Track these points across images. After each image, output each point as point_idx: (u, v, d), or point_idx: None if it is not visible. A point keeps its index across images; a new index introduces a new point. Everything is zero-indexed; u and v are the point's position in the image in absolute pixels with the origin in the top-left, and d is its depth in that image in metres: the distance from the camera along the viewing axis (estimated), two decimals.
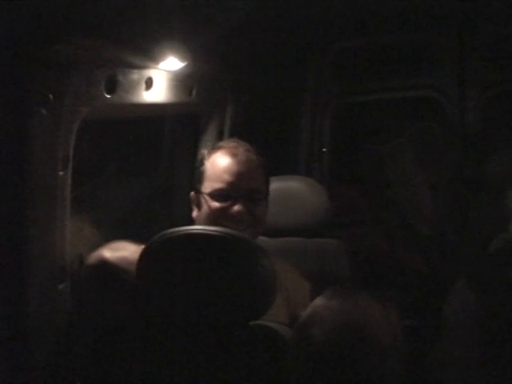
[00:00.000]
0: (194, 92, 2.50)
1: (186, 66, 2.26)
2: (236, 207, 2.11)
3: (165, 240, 1.77)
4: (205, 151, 2.34)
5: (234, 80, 2.71)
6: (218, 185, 2.14)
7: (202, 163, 2.22)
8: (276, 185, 2.48)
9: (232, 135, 2.63)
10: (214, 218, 2.12)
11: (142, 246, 1.78)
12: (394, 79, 3.47)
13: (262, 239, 2.37)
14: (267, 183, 2.23)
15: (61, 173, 1.91)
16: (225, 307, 1.74)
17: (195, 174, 2.26)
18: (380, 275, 3.02)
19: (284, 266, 2.25)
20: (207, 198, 2.15)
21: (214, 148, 2.26)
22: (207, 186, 2.16)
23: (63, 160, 1.91)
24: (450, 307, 2.38)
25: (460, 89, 3.44)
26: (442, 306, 2.39)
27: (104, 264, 1.85)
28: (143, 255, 1.78)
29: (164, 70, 2.25)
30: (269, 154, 2.27)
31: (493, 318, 2.25)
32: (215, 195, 2.13)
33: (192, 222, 2.20)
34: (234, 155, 2.17)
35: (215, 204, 2.13)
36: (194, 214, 2.21)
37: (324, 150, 3.49)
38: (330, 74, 3.42)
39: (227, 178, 2.14)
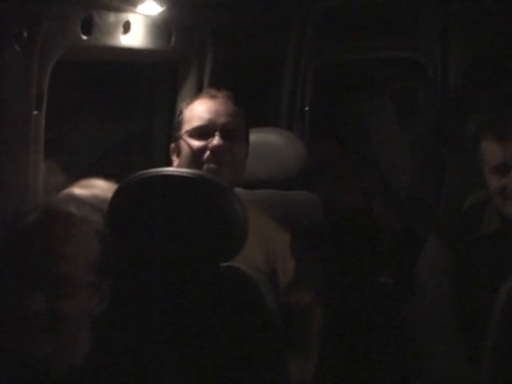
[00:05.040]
0: (172, 39, 2.47)
1: (165, 11, 2.24)
2: (215, 141, 2.12)
3: (138, 181, 1.77)
4: (184, 103, 2.35)
5: (214, 28, 2.68)
6: (196, 123, 2.16)
7: (181, 113, 2.25)
8: (254, 137, 2.47)
9: (212, 86, 2.61)
10: (193, 157, 2.13)
11: (113, 184, 1.78)
12: (376, 39, 3.46)
13: (238, 190, 2.37)
14: (247, 131, 2.25)
15: (35, 112, 1.90)
16: (195, 248, 1.74)
17: (175, 124, 2.27)
18: (355, 232, 3.03)
19: (263, 217, 2.25)
20: (186, 138, 2.16)
21: (193, 98, 2.28)
22: (186, 127, 2.18)
23: (37, 99, 1.90)
24: (422, 263, 2.41)
25: (442, 50, 3.44)
26: (415, 263, 2.42)
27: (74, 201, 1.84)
28: (116, 195, 1.78)
29: (142, 14, 2.23)
30: (249, 108, 2.28)
31: (463, 273, 2.28)
32: (194, 133, 2.15)
33: None
34: (212, 97, 2.20)
35: (194, 142, 2.15)
36: (175, 163, 2.21)
37: (306, 108, 3.49)
38: (313, 32, 3.40)
39: (205, 115, 2.16)
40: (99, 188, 1.88)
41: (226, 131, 2.15)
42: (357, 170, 3.30)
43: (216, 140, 2.13)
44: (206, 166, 2.12)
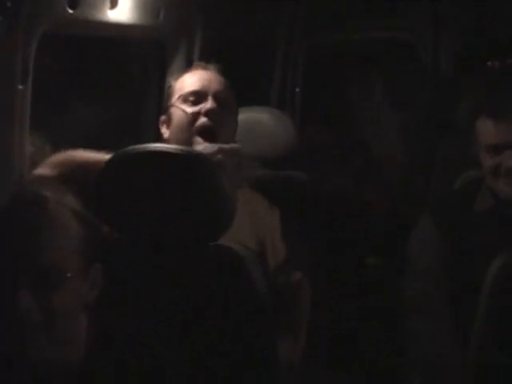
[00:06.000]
0: (161, 15, 2.44)
1: None
2: (208, 104, 2.11)
3: (124, 157, 1.74)
4: (172, 78, 2.33)
5: (204, 5, 2.65)
6: (188, 88, 2.15)
7: (170, 86, 2.24)
8: (244, 115, 2.46)
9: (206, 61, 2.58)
10: (186, 123, 2.11)
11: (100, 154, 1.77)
12: (368, 20, 3.44)
13: None
14: (236, 106, 2.23)
15: (20, 86, 1.87)
16: (183, 227, 1.72)
17: (164, 96, 2.25)
18: (345, 215, 3.03)
19: (252, 194, 2.24)
20: (178, 104, 2.14)
21: (183, 72, 2.29)
22: (177, 95, 2.16)
23: (23, 73, 1.87)
24: (413, 242, 2.40)
25: (433, 31, 3.42)
26: (405, 245, 2.40)
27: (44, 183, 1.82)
28: (101, 172, 1.75)
29: None
30: (240, 88, 2.26)
31: (454, 252, 2.27)
32: (187, 98, 2.14)
33: None
34: (204, 68, 2.22)
35: (187, 108, 2.13)
36: (166, 135, 2.19)
37: (297, 89, 3.47)
38: (305, 12, 3.37)
39: (198, 82, 2.16)
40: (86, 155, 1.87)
41: (220, 97, 2.14)
42: (347, 153, 3.29)
43: (209, 103, 2.11)
44: (197, 137, 2.10)
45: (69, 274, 1.32)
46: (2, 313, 1.31)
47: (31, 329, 1.31)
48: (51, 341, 1.33)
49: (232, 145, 2.07)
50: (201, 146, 2.04)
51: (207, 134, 2.11)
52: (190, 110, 2.12)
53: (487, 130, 2.18)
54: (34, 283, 1.30)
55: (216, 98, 2.14)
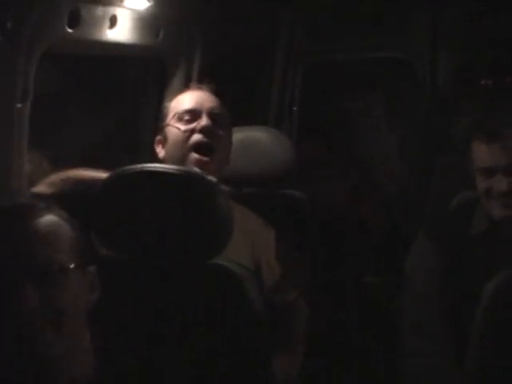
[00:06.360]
0: (160, 34, 2.46)
1: (152, 6, 2.24)
2: (203, 121, 2.14)
3: (122, 176, 1.75)
4: (167, 100, 2.36)
5: (203, 24, 2.67)
6: (183, 107, 2.19)
7: (165, 107, 2.27)
8: (241, 134, 2.48)
9: (200, 82, 2.61)
10: (181, 140, 2.14)
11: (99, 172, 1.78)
12: (365, 39, 3.46)
13: (224, 188, 2.36)
14: (231, 124, 2.25)
15: (19, 105, 1.88)
16: (179, 245, 1.73)
17: (160, 117, 2.26)
18: (342, 231, 3.03)
19: (248, 214, 2.25)
20: (173, 123, 2.17)
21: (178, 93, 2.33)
22: (172, 114, 2.19)
23: (22, 92, 1.88)
24: (410, 262, 2.40)
25: (431, 50, 3.44)
26: (403, 262, 2.41)
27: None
28: (100, 191, 1.76)
29: (129, 9, 2.21)
30: (237, 107, 2.28)
31: (451, 273, 2.28)
32: (181, 116, 2.17)
33: None
34: (198, 88, 2.26)
35: (182, 126, 2.16)
36: (161, 154, 2.22)
37: (295, 108, 3.49)
38: (303, 32, 3.39)
39: (191, 100, 2.20)
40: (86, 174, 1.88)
41: (214, 114, 2.17)
42: (345, 170, 3.30)
43: (204, 120, 2.15)
44: (192, 153, 2.12)
45: (68, 268, 1.38)
46: (9, 313, 1.34)
47: (39, 326, 1.34)
48: (59, 341, 1.37)
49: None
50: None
51: (202, 150, 2.13)
52: (184, 127, 2.15)
53: (480, 152, 2.18)
54: (35, 282, 1.35)
55: (210, 115, 2.16)
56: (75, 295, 1.40)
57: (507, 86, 3.52)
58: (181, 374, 1.69)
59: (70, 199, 1.79)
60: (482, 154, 2.18)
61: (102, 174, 1.89)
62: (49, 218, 1.41)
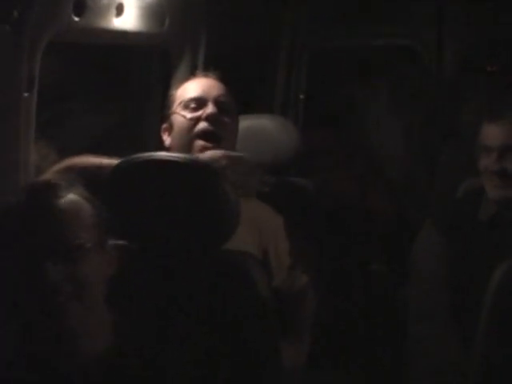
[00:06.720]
0: (166, 22, 2.45)
1: None
2: (208, 109, 2.14)
3: (130, 165, 1.75)
4: (173, 88, 2.36)
5: (209, 12, 2.66)
6: (188, 95, 2.19)
7: (171, 94, 2.27)
8: (247, 122, 2.47)
9: (206, 69, 2.60)
10: (187, 128, 2.14)
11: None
12: (371, 26, 3.45)
13: None
14: (237, 112, 2.25)
15: (25, 94, 1.88)
16: (186, 234, 1.73)
17: (166, 105, 2.26)
18: (349, 219, 3.03)
19: (255, 201, 2.24)
20: (179, 110, 2.17)
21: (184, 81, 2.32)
22: (178, 102, 2.20)
23: (28, 81, 1.88)
24: (417, 249, 2.40)
25: (438, 37, 3.42)
26: (409, 251, 2.41)
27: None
28: (108, 179, 1.76)
29: None
30: (244, 95, 2.27)
31: (458, 259, 2.28)
32: (187, 104, 2.17)
33: None
34: (204, 76, 2.26)
35: (187, 114, 2.16)
36: (167, 142, 2.22)
37: (301, 96, 3.48)
38: (309, 18, 3.38)
39: (197, 88, 2.20)
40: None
41: (220, 102, 2.17)
42: (351, 158, 3.29)
43: (210, 108, 2.14)
44: (197, 140, 2.12)
45: (88, 244, 1.42)
46: (34, 288, 1.39)
47: (63, 299, 1.39)
48: (81, 311, 1.41)
49: (236, 153, 2.08)
50: (208, 152, 2.06)
51: (208, 137, 2.13)
52: (190, 115, 2.15)
53: (483, 132, 2.24)
54: (58, 258, 1.40)
55: (216, 103, 2.17)
56: (95, 270, 1.45)
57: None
58: (185, 360, 1.70)
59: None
60: (484, 133, 2.24)
61: (106, 160, 1.90)
62: (70, 197, 1.45)
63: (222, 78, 2.24)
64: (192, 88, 2.22)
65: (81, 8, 2.00)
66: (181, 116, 2.17)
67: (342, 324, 2.73)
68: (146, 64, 2.72)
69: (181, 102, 2.18)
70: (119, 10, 2.17)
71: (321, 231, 2.56)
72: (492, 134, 2.20)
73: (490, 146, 2.20)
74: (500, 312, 1.92)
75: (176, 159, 1.73)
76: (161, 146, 2.22)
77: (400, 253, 2.62)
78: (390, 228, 3.11)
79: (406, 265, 2.43)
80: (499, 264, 1.96)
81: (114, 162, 1.82)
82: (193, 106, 2.17)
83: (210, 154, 2.04)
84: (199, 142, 2.12)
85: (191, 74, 2.71)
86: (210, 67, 2.35)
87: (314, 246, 2.36)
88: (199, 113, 2.15)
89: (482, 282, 2.00)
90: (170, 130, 2.21)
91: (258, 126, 2.59)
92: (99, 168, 1.88)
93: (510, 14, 3.26)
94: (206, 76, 2.26)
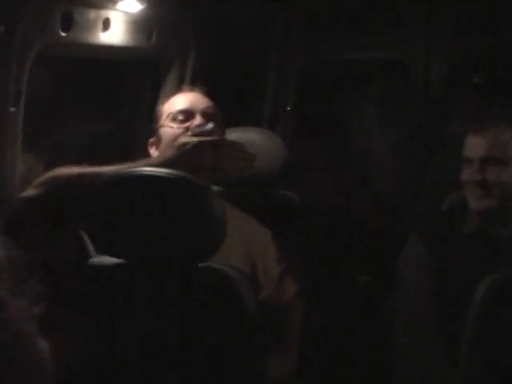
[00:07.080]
0: (153, 37, 2.47)
1: (146, 9, 2.24)
2: (196, 121, 2.16)
3: (115, 180, 1.76)
4: (160, 104, 2.37)
5: (196, 26, 2.67)
6: (176, 107, 2.21)
7: (158, 109, 2.29)
8: (234, 135, 2.47)
9: (193, 84, 2.61)
10: (175, 139, 2.11)
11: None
12: (359, 39, 3.47)
13: (218, 189, 2.37)
14: (223, 126, 2.26)
15: (12, 109, 1.89)
16: (172, 248, 1.73)
17: (153, 120, 2.27)
18: (336, 231, 3.03)
19: (242, 215, 2.25)
20: (167, 123, 2.19)
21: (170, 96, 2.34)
22: (166, 115, 2.22)
23: (15, 96, 1.88)
24: (403, 262, 2.41)
25: (425, 50, 3.45)
26: (395, 262, 2.42)
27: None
28: (94, 193, 1.76)
29: (122, 12, 2.22)
30: (232, 108, 2.29)
31: (443, 273, 2.29)
32: (174, 117, 2.19)
33: None
34: (190, 90, 2.29)
35: (175, 126, 2.17)
36: (154, 156, 2.22)
37: (288, 108, 3.49)
38: (297, 32, 3.40)
39: (185, 101, 2.23)
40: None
41: (207, 114, 2.20)
42: (338, 170, 3.30)
43: (198, 120, 2.17)
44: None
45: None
46: None
47: None
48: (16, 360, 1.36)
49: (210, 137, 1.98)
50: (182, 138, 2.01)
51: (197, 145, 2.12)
52: (178, 128, 2.17)
53: (466, 144, 2.26)
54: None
55: (204, 115, 2.19)
56: (15, 319, 1.38)
57: (497, 84, 3.53)
58: (176, 375, 1.70)
59: (59, 200, 1.78)
60: (467, 145, 2.25)
61: (91, 170, 1.88)
62: None
63: (208, 93, 2.26)
64: (179, 101, 2.24)
65: (68, 23, 2.02)
66: (169, 127, 2.18)
67: (330, 335, 2.73)
68: (135, 77, 2.73)
69: (169, 115, 2.20)
70: (106, 24, 2.19)
71: (308, 244, 2.57)
72: (474, 145, 2.22)
73: (471, 157, 2.22)
74: (485, 325, 1.94)
75: (160, 174, 1.73)
76: None
77: (386, 265, 2.62)
78: (375, 239, 3.12)
79: (392, 277, 2.43)
80: (483, 277, 1.97)
81: (99, 170, 1.81)
82: (181, 118, 2.18)
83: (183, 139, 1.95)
84: None
85: (179, 87, 2.73)
86: (196, 81, 2.37)
87: (301, 258, 2.37)
88: (187, 124, 2.17)
89: (467, 295, 2.01)
90: (157, 143, 2.22)
91: (245, 139, 2.58)
92: (83, 178, 1.87)
93: (497, 27, 3.29)
94: (192, 90, 2.29)
